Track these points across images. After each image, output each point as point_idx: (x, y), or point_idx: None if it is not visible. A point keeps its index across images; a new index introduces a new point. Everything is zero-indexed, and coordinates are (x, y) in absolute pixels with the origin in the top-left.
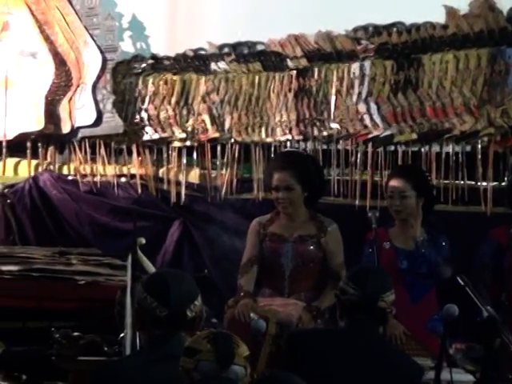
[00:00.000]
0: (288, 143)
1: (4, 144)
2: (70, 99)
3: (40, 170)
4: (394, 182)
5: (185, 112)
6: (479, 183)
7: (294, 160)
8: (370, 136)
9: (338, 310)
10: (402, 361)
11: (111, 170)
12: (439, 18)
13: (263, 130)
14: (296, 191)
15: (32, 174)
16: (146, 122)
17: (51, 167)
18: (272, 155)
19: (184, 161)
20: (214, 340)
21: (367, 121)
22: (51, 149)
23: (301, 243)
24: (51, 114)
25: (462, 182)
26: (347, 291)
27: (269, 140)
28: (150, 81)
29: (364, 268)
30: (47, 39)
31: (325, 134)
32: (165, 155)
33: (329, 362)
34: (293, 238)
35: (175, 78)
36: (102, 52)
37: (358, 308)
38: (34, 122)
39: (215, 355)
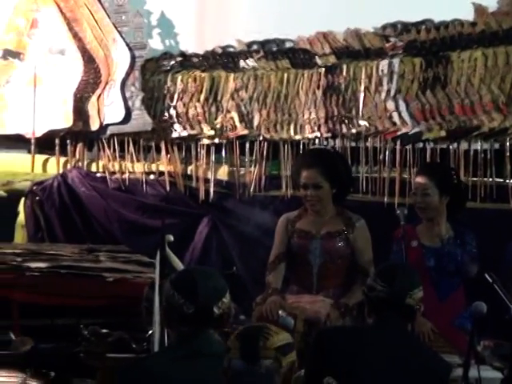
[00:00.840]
0: (316, 140)
1: (33, 141)
2: (99, 96)
3: (68, 167)
4: (417, 179)
5: (213, 109)
6: (507, 180)
7: (322, 157)
8: (399, 133)
9: (366, 307)
10: (430, 358)
11: (140, 168)
12: (468, 15)
13: (292, 127)
14: (324, 189)
15: (61, 171)
16: (175, 120)
17: (80, 164)
18: (300, 152)
19: (213, 158)
20: (241, 337)
21: (396, 118)
22: (80, 146)
23: (329, 240)
24: (80, 111)
25: (491, 180)
26: (375, 288)
27: (297, 137)
28: (179, 78)
29: (392, 265)
30: (76, 36)
31: (353, 131)
32: (193, 152)
33: (356, 360)
34: (321, 235)
35: (204, 75)
36: (130, 49)
37: (385, 305)
38: (63, 119)
39: (240, 352)
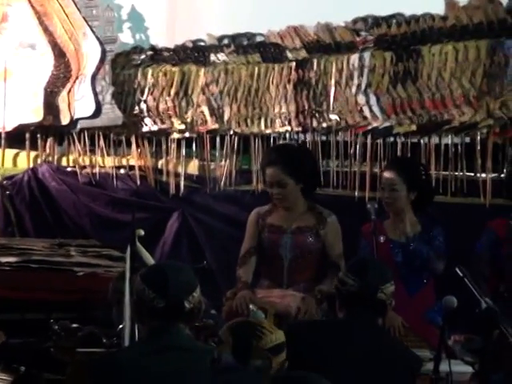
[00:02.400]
0: (287, 135)
1: (3, 135)
2: (69, 91)
3: (39, 161)
4: (385, 174)
5: (184, 103)
6: (478, 175)
7: (285, 154)
8: (369, 127)
9: (338, 302)
10: (400, 352)
11: (110, 162)
12: (438, 9)
13: (262, 121)
14: (289, 186)
15: (31, 165)
16: (145, 114)
17: (50, 159)
18: (271, 147)
19: (183, 152)
20: (234, 332)
21: (366, 112)
22: (50, 140)
23: (299, 234)
24: (50, 106)
25: (461, 174)
26: (346, 282)
27: (268, 131)
28: (150, 72)
29: (364, 259)
30: (46, 30)
31: (324, 125)
32: (164, 147)
33: (327, 354)
34: (291, 230)
35: (174, 69)
36: (101, 43)
37: (357, 299)
38: (33, 113)
39: (232, 349)
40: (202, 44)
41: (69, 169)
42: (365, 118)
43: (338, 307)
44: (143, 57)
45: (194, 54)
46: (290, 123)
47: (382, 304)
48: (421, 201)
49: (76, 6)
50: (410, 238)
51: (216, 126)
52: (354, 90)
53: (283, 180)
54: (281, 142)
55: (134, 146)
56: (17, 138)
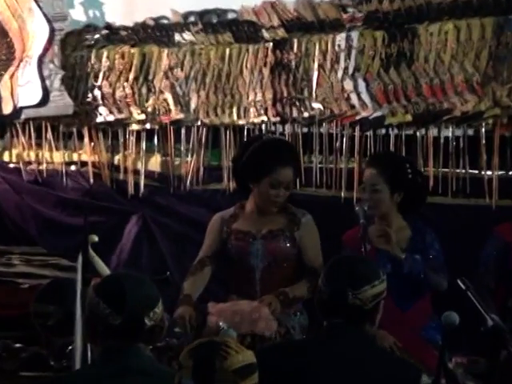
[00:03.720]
0: (263, 126)
1: None
2: (13, 75)
3: None
4: (366, 173)
5: (144, 90)
6: (483, 172)
7: (293, 152)
8: (358, 118)
9: (317, 309)
10: (395, 365)
11: (59, 157)
12: None
13: (234, 110)
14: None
15: None
16: (100, 102)
17: None
18: (245, 140)
19: (143, 146)
20: (194, 353)
21: (354, 100)
22: None
23: (271, 239)
24: None
25: (464, 171)
26: (319, 289)
27: (241, 122)
28: (105, 54)
29: (341, 258)
30: None
31: (305, 115)
32: (121, 140)
33: (304, 378)
34: (261, 234)
35: (133, 50)
36: (49, 21)
37: (329, 308)
38: None
39: (193, 373)
40: (165, 22)
41: (11, 165)
42: (352, 106)
43: (320, 316)
44: (97, 36)
45: (156, 33)
46: (266, 113)
47: (358, 311)
48: (409, 203)
49: None
50: (399, 245)
51: (181, 115)
52: (339, 74)
53: (291, 183)
54: (256, 133)
55: (86, 138)
56: None
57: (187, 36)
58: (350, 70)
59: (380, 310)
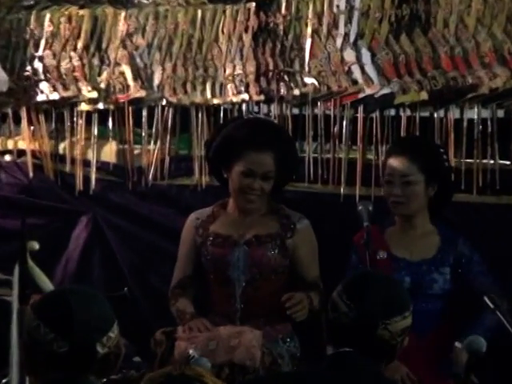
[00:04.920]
0: (244, 106)
1: None
2: None
3: None
4: (393, 162)
5: (96, 61)
6: None
7: (278, 136)
8: (361, 96)
9: (326, 332)
10: None
11: None
12: None
13: (208, 87)
14: (273, 180)
15: None
16: (41, 76)
17: None
18: (221, 122)
19: (95, 131)
20: None
21: (357, 74)
22: None
23: (257, 247)
24: None
25: (492, 162)
26: (338, 307)
27: (216, 101)
28: (47, 17)
29: (367, 275)
30: None
31: (296, 92)
32: (67, 123)
33: None
34: (245, 240)
35: (82, 12)
36: None
37: (348, 335)
38: None
39: None
40: None
41: None
42: (354, 82)
43: (327, 340)
44: None
45: None
46: (247, 90)
47: (383, 345)
48: (439, 200)
49: None
50: (426, 258)
51: (142, 93)
52: (338, 42)
53: (271, 172)
54: (235, 115)
55: (24, 122)
56: None
57: None
58: (352, 37)
59: (403, 347)
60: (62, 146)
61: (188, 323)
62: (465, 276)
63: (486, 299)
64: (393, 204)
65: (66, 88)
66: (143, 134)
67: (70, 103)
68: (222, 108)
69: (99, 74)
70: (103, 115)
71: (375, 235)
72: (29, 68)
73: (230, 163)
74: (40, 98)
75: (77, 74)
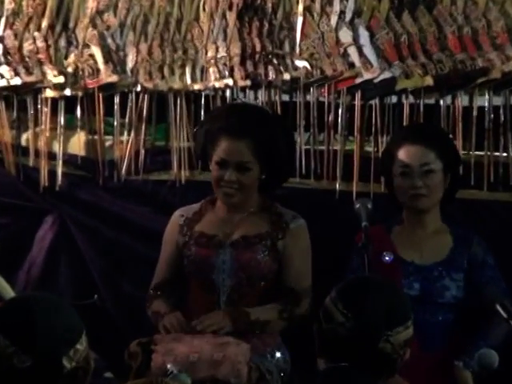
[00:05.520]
0: (228, 92)
1: None
2: None
3: None
4: (408, 151)
5: (63, 43)
6: None
7: (258, 122)
8: (359, 81)
9: (317, 343)
10: None
11: None
12: None
13: (188, 71)
14: (253, 172)
15: None
16: (1, 59)
17: None
18: (202, 110)
19: (61, 121)
20: None
21: (354, 57)
22: None
23: (245, 249)
24: None
25: (505, 155)
26: (333, 317)
27: (197, 87)
28: None
29: (364, 280)
30: None
31: (286, 77)
32: (31, 111)
33: None
34: (232, 241)
35: None
36: None
37: (345, 347)
38: None
39: None
40: None
41: None
42: (351, 65)
43: (318, 352)
44: None
45: None
46: (231, 74)
47: (383, 359)
48: (450, 193)
49: None
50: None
51: (114, 78)
52: (333, 20)
53: (248, 163)
54: (218, 103)
55: None
56: None
57: None
58: (348, 16)
59: (404, 360)
60: (24, 137)
61: (162, 322)
62: (476, 280)
63: (498, 307)
64: (412, 198)
65: (28, 72)
66: (115, 123)
67: (33, 89)
68: (203, 94)
69: (66, 57)
70: (71, 103)
71: (380, 235)
72: None
73: (209, 153)
74: (0, 83)
75: (41, 56)
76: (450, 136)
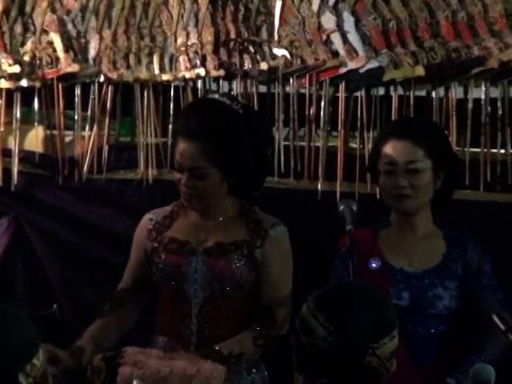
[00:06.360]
0: (199, 83)
1: None
2: None
3: None
4: (393, 147)
5: (19, 29)
6: None
7: (217, 119)
8: (343, 71)
9: (294, 359)
10: None
11: None
12: None
13: (155, 60)
14: (212, 177)
15: None
16: None
17: None
18: (172, 103)
19: (17, 114)
20: None
21: (337, 44)
22: None
23: (219, 257)
24: None
25: (503, 152)
26: (313, 330)
27: (166, 77)
28: None
29: (346, 286)
30: None
31: (263, 66)
32: None
33: None
34: (204, 248)
35: None
36: None
37: (326, 364)
38: None
39: None
40: None
41: None
42: (335, 54)
43: (296, 368)
44: None
45: None
46: (203, 63)
47: (369, 374)
48: (441, 195)
49: None
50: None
51: (75, 67)
52: (315, 5)
53: (204, 168)
54: (189, 94)
55: None
56: None
57: None
58: (332, 0)
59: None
60: None
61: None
62: (471, 289)
63: (496, 318)
64: (395, 198)
65: None
66: (76, 117)
67: None
68: (172, 86)
69: (22, 45)
70: (27, 94)
71: (366, 240)
72: None
73: (175, 153)
74: None
75: None
76: (446, 132)
